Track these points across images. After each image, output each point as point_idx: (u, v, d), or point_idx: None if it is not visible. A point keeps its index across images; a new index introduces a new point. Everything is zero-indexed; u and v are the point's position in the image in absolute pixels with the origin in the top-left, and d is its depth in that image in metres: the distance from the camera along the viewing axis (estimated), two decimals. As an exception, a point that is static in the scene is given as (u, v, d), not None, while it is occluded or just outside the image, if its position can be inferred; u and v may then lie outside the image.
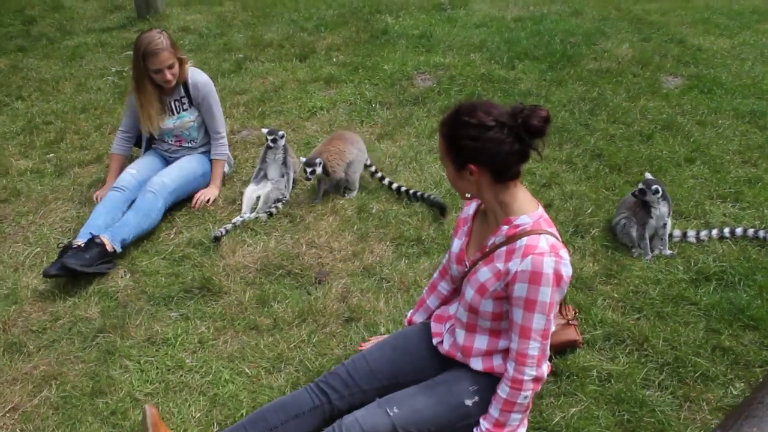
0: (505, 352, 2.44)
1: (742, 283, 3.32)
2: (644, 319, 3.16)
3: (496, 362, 2.46)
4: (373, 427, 2.40)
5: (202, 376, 3.02)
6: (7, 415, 2.87)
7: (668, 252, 3.57)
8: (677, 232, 3.69)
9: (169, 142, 4.39)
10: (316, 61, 6.46)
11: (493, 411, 2.41)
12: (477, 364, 2.49)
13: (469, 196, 2.44)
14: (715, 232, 3.67)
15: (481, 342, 2.48)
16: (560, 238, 2.34)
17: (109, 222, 3.86)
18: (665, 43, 6.57)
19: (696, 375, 2.84)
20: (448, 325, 2.65)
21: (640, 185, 3.55)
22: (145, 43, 3.97)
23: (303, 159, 4.17)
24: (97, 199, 4.30)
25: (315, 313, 3.30)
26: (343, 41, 6.90)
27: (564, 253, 2.28)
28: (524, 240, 2.26)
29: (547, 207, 3.96)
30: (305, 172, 4.10)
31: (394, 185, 4.22)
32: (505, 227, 2.35)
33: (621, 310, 3.23)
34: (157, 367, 3.08)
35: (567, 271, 2.26)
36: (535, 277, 2.21)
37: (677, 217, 3.88)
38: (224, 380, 2.98)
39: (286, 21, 7.68)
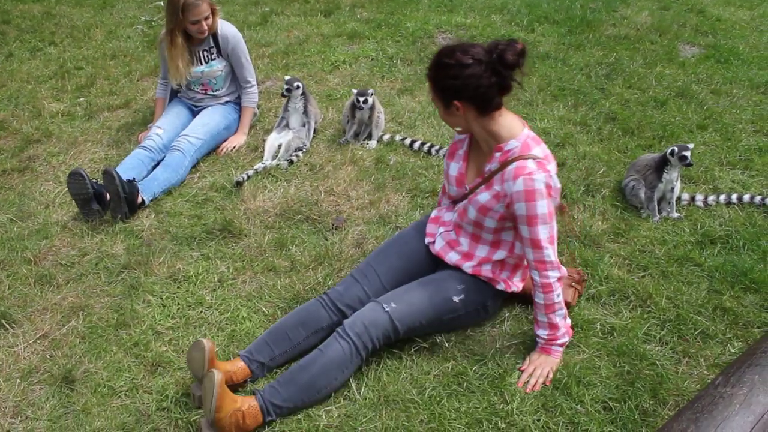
0: (496, 263, 2.79)
1: (746, 248, 3.36)
2: (649, 277, 3.21)
3: (485, 268, 2.79)
4: (372, 321, 2.64)
5: (221, 313, 3.10)
6: (38, 341, 2.99)
7: (676, 215, 3.62)
8: (685, 196, 3.73)
9: (195, 89, 4.46)
10: (340, 17, 6.49)
11: (540, 317, 2.71)
12: (468, 267, 2.79)
13: (460, 129, 2.69)
14: (722, 197, 3.71)
15: (482, 251, 2.79)
16: (547, 152, 2.59)
17: (131, 177, 3.89)
18: (684, 13, 6.53)
19: (696, 332, 2.89)
20: (441, 230, 2.93)
21: (682, 152, 3.51)
22: None
23: (354, 90, 4.27)
24: (140, 139, 4.41)
25: (331, 258, 3.38)
26: (367, -2, 6.92)
27: (551, 167, 2.55)
28: (513, 164, 2.51)
29: (560, 166, 4.03)
30: (358, 102, 4.20)
31: (417, 143, 4.29)
32: (498, 154, 2.59)
33: (627, 268, 3.28)
34: (179, 303, 3.17)
35: (555, 183, 2.54)
36: (529, 195, 2.47)
37: (686, 181, 3.92)
38: (242, 318, 3.06)
39: (312, -23, 7.70)
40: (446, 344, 2.86)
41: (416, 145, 4.28)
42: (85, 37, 6.38)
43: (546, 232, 2.54)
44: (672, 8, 6.65)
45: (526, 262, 2.77)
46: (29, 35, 6.47)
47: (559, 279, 2.63)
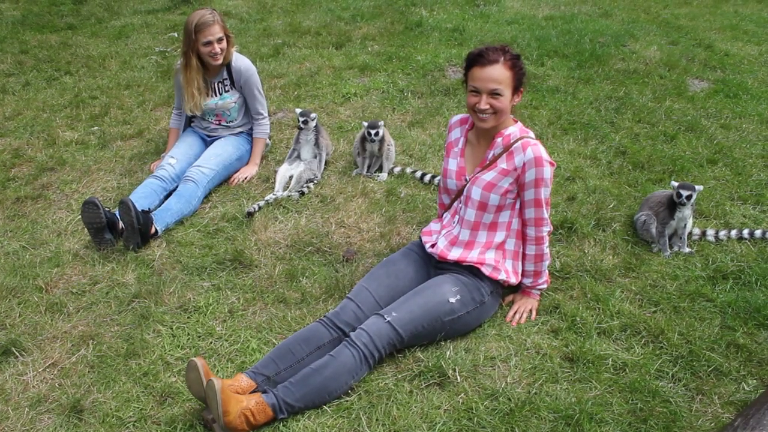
0: (499, 249, 3.14)
1: (759, 284, 3.34)
2: (660, 313, 3.19)
3: (488, 256, 3.13)
4: (377, 331, 2.86)
5: (231, 344, 3.09)
6: (47, 370, 2.98)
7: (687, 250, 3.61)
8: (696, 231, 3.72)
9: (209, 120, 4.52)
10: (351, 50, 6.58)
11: (528, 267, 3.21)
12: (473, 257, 3.12)
13: (488, 117, 2.99)
14: (734, 232, 3.70)
15: (481, 237, 3.14)
16: None
17: (145, 207, 3.93)
18: (693, 47, 6.59)
19: (709, 369, 2.86)
20: (444, 231, 3.24)
21: (684, 191, 3.52)
22: (197, 17, 4.12)
23: (364, 123, 4.32)
24: (152, 168, 4.46)
25: (342, 290, 3.37)
26: (378, 31, 7.01)
27: None
28: (519, 142, 3.01)
29: (570, 200, 4.05)
30: (369, 135, 4.24)
31: (427, 176, 4.32)
32: (500, 139, 3.06)
33: (638, 303, 3.27)
34: (189, 334, 3.16)
35: None
36: (538, 161, 2.96)
37: (697, 216, 3.90)
38: (252, 349, 3.05)
39: (323, 10, 7.87)
40: (457, 379, 2.84)
41: (427, 177, 4.30)
42: (100, 67, 6.50)
43: (546, 194, 3.04)
44: (680, 43, 6.71)
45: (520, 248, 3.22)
46: (46, 65, 6.59)
47: (548, 234, 3.15)
